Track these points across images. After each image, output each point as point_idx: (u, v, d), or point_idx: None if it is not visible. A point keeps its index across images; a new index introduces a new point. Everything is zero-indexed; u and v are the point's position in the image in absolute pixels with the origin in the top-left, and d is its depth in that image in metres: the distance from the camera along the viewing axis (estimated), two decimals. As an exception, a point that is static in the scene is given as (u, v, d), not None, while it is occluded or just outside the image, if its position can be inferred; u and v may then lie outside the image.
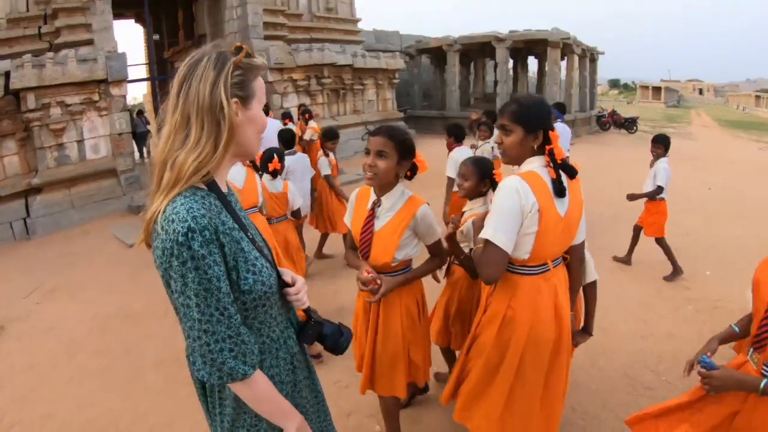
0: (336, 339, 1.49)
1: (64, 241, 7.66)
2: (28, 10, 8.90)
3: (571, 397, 3.23)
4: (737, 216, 7.65)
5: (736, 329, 2.06)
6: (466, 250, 2.69)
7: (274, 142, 5.49)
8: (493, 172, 2.93)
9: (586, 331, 2.55)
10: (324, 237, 6.13)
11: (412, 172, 2.43)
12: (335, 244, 6.17)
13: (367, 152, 2.29)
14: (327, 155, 5.84)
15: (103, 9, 9.30)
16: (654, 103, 53.19)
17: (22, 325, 4.85)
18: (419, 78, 20.61)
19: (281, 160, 4.47)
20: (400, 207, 2.34)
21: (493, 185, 2.93)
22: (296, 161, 5.56)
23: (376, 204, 2.38)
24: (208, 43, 1.32)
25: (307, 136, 8.80)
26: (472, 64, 21.21)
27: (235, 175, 3.87)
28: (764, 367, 1.77)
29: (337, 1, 14.44)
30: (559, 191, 2.00)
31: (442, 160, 5.40)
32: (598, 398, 3.28)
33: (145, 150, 15.80)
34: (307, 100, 12.46)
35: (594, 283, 2.52)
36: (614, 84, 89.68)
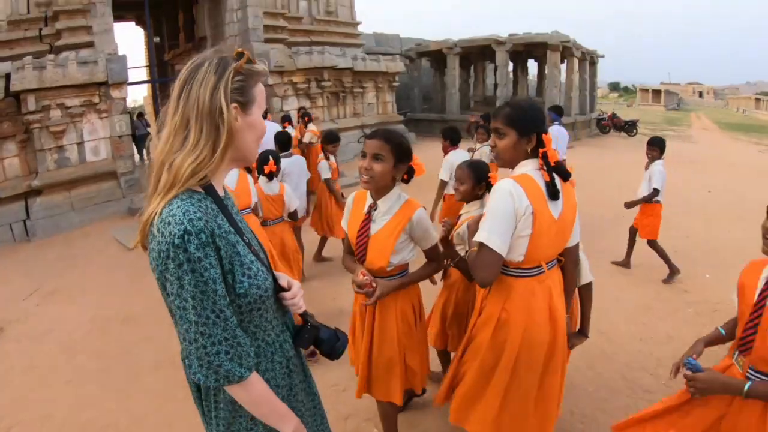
0: (332, 344, 1.49)
1: (64, 243, 7.66)
2: (28, 12, 8.92)
3: (570, 400, 3.23)
4: (737, 219, 7.65)
5: (723, 332, 2.07)
6: (462, 253, 2.69)
7: (271, 145, 5.50)
8: (489, 175, 2.93)
9: (582, 333, 2.55)
10: (323, 240, 6.12)
11: (409, 175, 2.42)
12: (335, 248, 6.17)
13: (363, 155, 2.28)
14: (328, 158, 5.83)
15: (103, 11, 9.32)
16: (654, 106, 53.23)
17: (21, 327, 4.85)
18: (419, 81, 20.63)
19: (277, 162, 4.48)
20: (396, 211, 2.33)
21: (489, 188, 2.94)
22: (292, 163, 5.57)
23: (373, 207, 2.37)
24: (210, 48, 1.33)
25: (306, 139, 8.82)
26: (472, 67, 21.23)
27: (228, 177, 3.88)
28: (749, 370, 1.79)
29: (338, 4, 14.48)
30: (553, 194, 2.01)
31: (441, 163, 5.41)
32: (596, 401, 3.27)
33: (145, 152, 15.81)
34: (307, 103, 12.47)
35: (589, 284, 2.52)
36: (614, 87, 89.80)
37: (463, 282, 2.99)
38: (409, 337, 2.47)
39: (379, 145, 2.23)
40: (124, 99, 9.24)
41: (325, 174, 5.75)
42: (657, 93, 56.84)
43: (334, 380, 3.47)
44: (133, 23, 19.46)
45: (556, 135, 7.17)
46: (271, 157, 4.40)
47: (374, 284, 2.29)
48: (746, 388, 1.70)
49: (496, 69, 18.86)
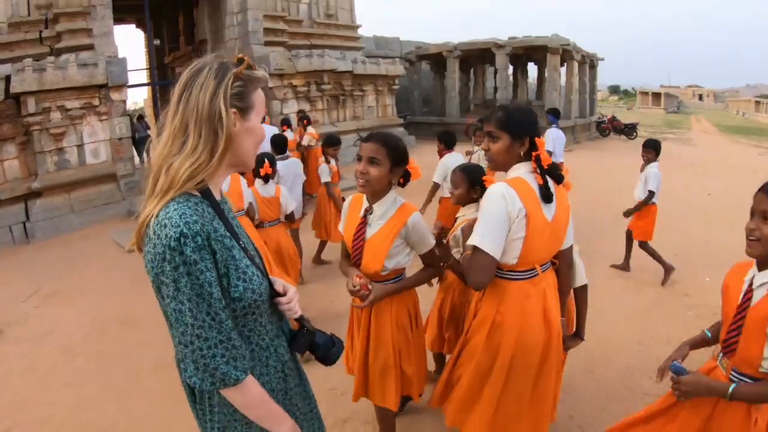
0: (327, 349, 1.49)
1: (64, 245, 7.66)
2: (29, 15, 8.93)
3: (568, 404, 3.23)
4: (737, 221, 7.59)
5: (709, 334, 2.07)
6: (457, 256, 2.69)
7: (268, 148, 5.52)
8: (484, 178, 2.93)
9: (578, 335, 2.55)
10: (323, 243, 6.12)
11: (405, 179, 2.41)
12: (334, 251, 6.17)
13: (359, 159, 2.27)
14: (328, 162, 5.83)
15: (104, 14, 9.34)
16: (654, 109, 53.28)
17: (20, 329, 4.84)
18: (419, 84, 20.66)
19: (272, 164, 4.49)
20: (392, 215, 2.32)
21: (484, 191, 2.94)
22: (287, 166, 5.58)
23: (368, 211, 2.36)
24: (210, 52, 1.33)
25: (305, 142, 8.84)
26: (471, 70, 21.28)
27: None
28: (732, 372, 1.79)
29: (338, 7, 14.49)
30: (546, 197, 2.03)
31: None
32: (595, 405, 3.27)
33: (145, 155, 15.82)
34: (306, 106, 12.49)
35: (585, 287, 2.52)
36: (614, 90, 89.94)
37: (459, 284, 2.99)
38: (404, 343, 2.46)
39: (375, 149, 2.23)
40: (124, 101, 9.27)
41: (325, 177, 5.76)
42: (657, 96, 56.90)
43: (332, 383, 3.46)
44: (134, 26, 19.49)
45: (554, 138, 7.20)
46: (266, 160, 4.42)
47: (369, 287, 2.29)
48: (730, 390, 1.72)
49: (496, 72, 18.91)
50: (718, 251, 6.24)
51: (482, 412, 2.19)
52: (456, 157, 5.37)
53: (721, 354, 1.87)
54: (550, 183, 2.08)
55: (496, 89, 19.14)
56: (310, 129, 9.03)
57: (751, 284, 1.77)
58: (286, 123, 9.31)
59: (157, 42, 16.83)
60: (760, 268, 1.76)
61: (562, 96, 18.01)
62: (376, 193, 2.31)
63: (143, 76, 17.85)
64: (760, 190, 1.73)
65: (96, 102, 8.77)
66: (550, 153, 7.02)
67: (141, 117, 17.42)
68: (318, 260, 6.15)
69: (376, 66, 14.51)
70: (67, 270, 6.51)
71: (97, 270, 6.44)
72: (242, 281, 1.24)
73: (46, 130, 8.24)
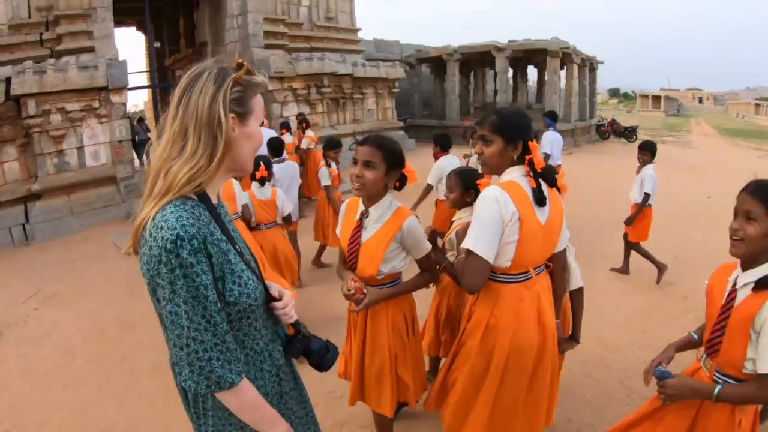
0: (322, 355, 1.49)
1: (63, 247, 7.66)
2: (29, 17, 8.94)
3: (567, 407, 3.22)
4: (736, 225, 7.63)
5: (695, 336, 2.08)
6: (453, 259, 2.69)
7: (264, 151, 5.52)
8: (478, 182, 2.93)
9: (573, 338, 2.55)
10: (322, 246, 6.12)
11: (401, 182, 2.41)
12: (334, 254, 6.16)
13: (355, 162, 2.26)
14: (329, 165, 5.82)
15: (104, 17, 9.35)
16: (654, 111, 53.28)
17: (19, 331, 4.84)
18: (419, 87, 20.68)
19: (268, 167, 4.50)
20: (388, 218, 2.31)
21: (479, 195, 2.95)
22: (283, 169, 5.59)
23: (364, 215, 2.35)
24: (211, 55, 1.34)
25: (303, 145, 8.85)
26: (471, 73, 21.29)
27: None
28: (716, 374, 1.80)
29: (338, 10, 14.52)
30: (539, 200, 2.04)
31: (437, 169, 5.41)
32: (594, 409, 3.26)
33: (144, 157, 15.82)
34: (306, 109, 12.49)
35: (581, 290, 2.52)
36: (614, 93, 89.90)
37: (454, 287, 2.99)
38: (400, 347, 2.44)
39: (371, 152, 2.22)
40: (124, 104, 9.27)
41: (325, 181, 5.76)
42: (657, 99, 56.89)
43: (330, 387, 3.46)
44: (134, 28, 19.55)
45: (551, 140, 7.24)
46: (262, 163, 4.42)
47: (364, 291, 2.28)
48: (716, 392, 1.72)
49: (495, 75, 18.93)
50: (717, 254, 6.19)
51: (479, 414, 2.19)
52: (451, 160, 5.39)
53: (705, 355, 1.88)
54: (544, 186, 2.09)
55: (496, 92, 19.16)
56: (309, 132, 9.04)
57: (734, 284, 1.78)
58: (285, 126, 9.33)
59: (157, 44, 16.88)
60: (744, 268, 1.77)
61: (562, 99, 18.03)
62: (371, 197, 2.30)
63: (144, 79, 17.86)
64: (743, 189, 1.73)
65: (96, 104, 8.78)
66: (547, 156, 7.07)
67: (141, 119, 17.42)
68: (318, 262, 6.15)
69: (376, 69, 14.52)
70: (66, 272, 6.51)
71: (96, 272, 6.44)
72: (237, 285, 1.24)
73: (46, 132, 8.24)
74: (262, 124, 6.09)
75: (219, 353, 1.18)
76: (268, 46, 12.09)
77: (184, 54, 16.46)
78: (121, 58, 9.36)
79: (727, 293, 1.80)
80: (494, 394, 2.15)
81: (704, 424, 1.82)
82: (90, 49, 9.13)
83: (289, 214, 4.67)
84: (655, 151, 5.43)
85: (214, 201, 1.30)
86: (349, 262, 2.41)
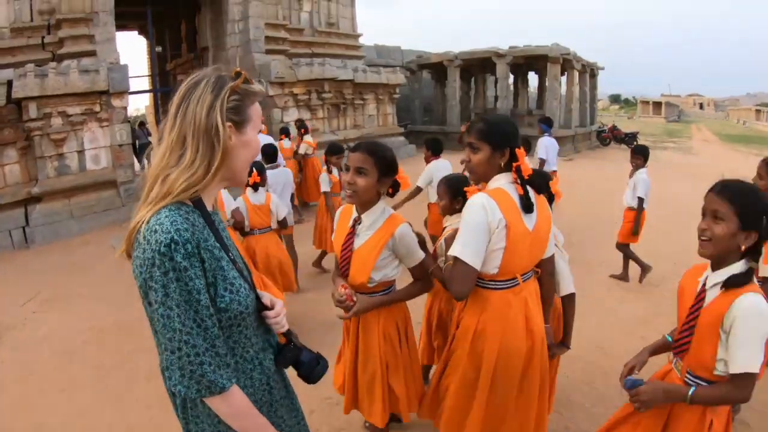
0: (312, 367, 1.48)
1: (63, 250, 7.66)
2: (32, 20, 8.98)
3: (566, 415, 3.21)
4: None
5: (670, 339, 2.08)
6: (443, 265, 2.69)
7: (259, 157, 5.53)
8: (465, 189, 2.94)
9: (564, 344, 2.55)
10: (324, 251, 6.12)
11: (394, 189, 2.40)
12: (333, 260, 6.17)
13: (347, 169, 2.25)
14: (330, 171, 5.81)
15: (106, 21, 9.39)
16: (655, 118, 53.28)
17: (17, 334, 4.84)
18: (420, 93, 20.71)
19: (262, 173, 4.51)
20: (380, 226, 2.29)
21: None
22: (277, 175, 5.61)
23: (357, 222, 2.34)
24: (212, 60, 1.35)
25: (301, 151, 8.86)
26: (472, 79, 21.32)
27: None
28: (687, 375, 1.81)
29: (339, 16, 14.56)
30: (527, 207, 2.04)
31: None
32: (593, 417, 3.24)
33: (145, 161, 15.84)
34: (307, 115, 12.51)
35: (572, 296, 2.53)
36: (615, 99, 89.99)
37: (445, 291, 2.99)
38: (392, 356, 2.42)
39: (363, 159, 2.21)
40: (125, 108, 9.30)
41: (324, 187, 5.76)
42: (658, 105, 56.90)
43: (327, 393, 3.43)
44: (136, 33, 19.59)
45: (547, 146, 7.28)
46: (254, 169, 4.44)
47: (354, 299, 2.26)
48: (690, 394, 1.72)
49: (496, 81, 18.96)
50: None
51: (474, 420, 2.19)
52: (442, 164, 5.42)
53: (676, 357, 1.88)
54: (531, 193, 2.08)
55: (496, 98, 19.19)
56: (308, 137, 9.04)
57: (704, 285, 1.79)
58: (284, 131, 9.34)
59: (159, 49, 16.92)
60: (714, 268, 1.77)
61: (562, 105, 18.05)
62: (364, 204, 2.30)
63: (145, 83, 17.96)
64: (710, 190, 1.74)
65: (97, 108, 8.80)
66: (543, 161, 7.10)
67: (142, 124, 17.47)
68: (319, 265, 6.16)
69: (377, 75, 14.55)
70: (65, 276, 6.51)
71: (95, 276, 6.43)
72: (229, 292, 1.24)
73: (47, 136, 8.26)
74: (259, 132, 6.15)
75: (210, 358, 1.17)
76: (269, 52, 12.12)
77: (186, 58, 16.50)
78: (122, 62, 9.40)
79: (696, 294, 1.81)
80: (486, 399, 2.15)
81: (676, 425, 1.82)
82: (91, 53, 9.16)
83: (285, 218, 4.67)
84: (647, 155, 5.49)
85: (209, 208, 1.30)
86: (341, 268, 2.40)
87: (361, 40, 15.82)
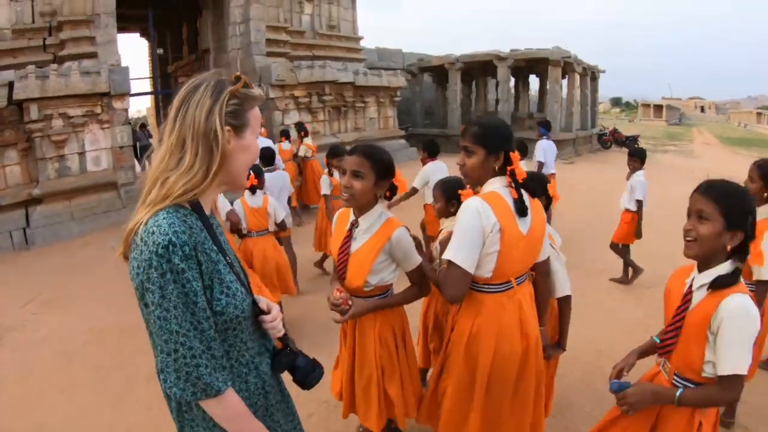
0: (307, 373, 1.48)
1: (63, 252, 7.67)
2: (33, 22, 9.00)
3: (567, 417, 3.21)
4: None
5: (658, 341, 2.07)
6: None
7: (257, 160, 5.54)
8: (460, 192, 2.93)
9: (560, 346, 2.55)
10: (325, 254, 6.12)
11: (392, 192, 2.39)
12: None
13: (344, 172, 2.25)
14: (331, 174, 5.81)
15: (107, 23, 9.41)
16: (656, 121, 53.20)
17: (17, 335, 4.84)
18: (421, 96, 20.73)
19: (259, 176, 4.52)
20: (377, 229, 2.28)
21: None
22: (274, 179, 5.61)
23: (354, 225, 2.33)
24: (213, 63, 1.35)
25: (301, 153, 8.87)
26: (473, 82, 21.33)
27: None
28: (675, 377, 1.79)
29: (340, 18, 14.58)
30: (521, 210, 2.03)
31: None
32: (593, 420, 3.20)
33: (146, 163, 15.81)
34: (308, 117, 12.51)
35: (568, 298, 2.53)
36: (616, 102, 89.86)
37: (440, 293, 2.99)
38: (388, 361, 2.41)
39: (359, 162, 2.20)
40: (126, 110, 9.31)
41: (324, 190, 5.77)
42: (659, 108, 56.82)
43: (325, 397, 3.42)
44: (138, 35, 19.63)
45: (545, 149, 7.31)
46: (252, 172, 4.44)
47: (350, 302, 2.25)
48: (678, 395, 1.71)
49: (497, 84, 18.96)
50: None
51: (471, 423, 2.19)
52: (438, 165, 5.46)
53: (663, 358, 1.87)
54: (525, 197, 2.08)
55: (497, 101, 19.20)
56: (307, 140, 9.04)
57: (690, 286, 1.78)
58: (284, 134, 9.34)
59: (160, 51, 16.95)
60: (700, 269, 1.77)
61: (563, 108, 18.05)
62: (361, 207, 2.29)
63: (146, 85, 17.95)
64: (695, 190, 1.74)
65: (98, 110, 8.82)
66: (541, 164, 7.12)
67: (143, 125, 17.47)
68: (320, 266, 6.17)
69: (378, 77, 14.55)
70: (66, 277, 6.51)
71: (96, 278, 6.44)
72: (225, 295, 1.24)
73: (47, 137, 8.28)
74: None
75: (207, 360, 1.17)
76: (270, 54, 12.14)
77: (187, 61, 16.53)
78: (123, 65, 9.41)
79: (683, 295, 1.80)
80: (482, 402, 2.15)
81: (664, 427, 1.81)
82: (93, 55, 9.18)
83: (283, 221, 4.67)
84: (644, 158, 5.55)
85: (207, 212, 1.31)
86: (338, 272, 2.39)
87: (362, 43, 15.83)
